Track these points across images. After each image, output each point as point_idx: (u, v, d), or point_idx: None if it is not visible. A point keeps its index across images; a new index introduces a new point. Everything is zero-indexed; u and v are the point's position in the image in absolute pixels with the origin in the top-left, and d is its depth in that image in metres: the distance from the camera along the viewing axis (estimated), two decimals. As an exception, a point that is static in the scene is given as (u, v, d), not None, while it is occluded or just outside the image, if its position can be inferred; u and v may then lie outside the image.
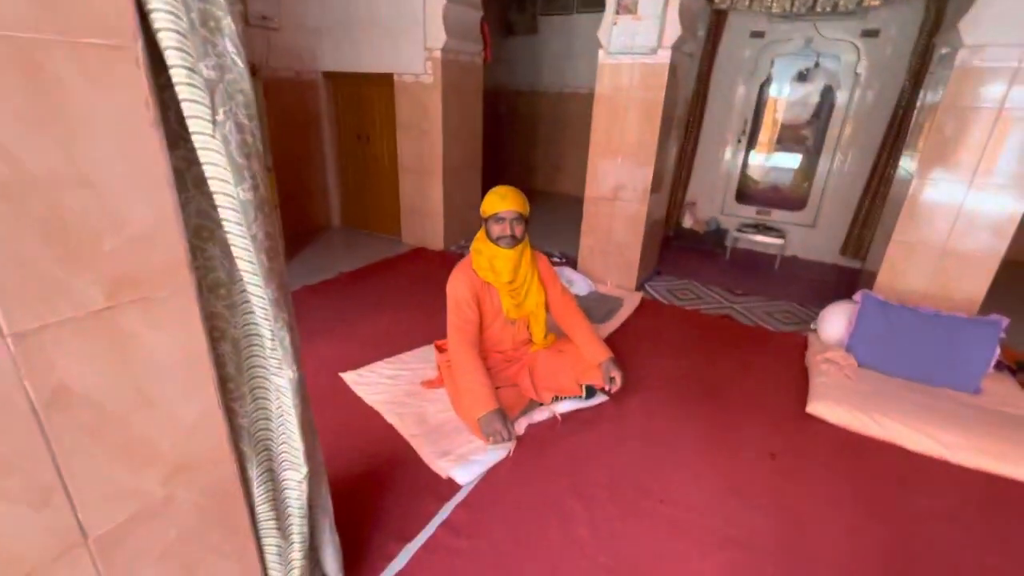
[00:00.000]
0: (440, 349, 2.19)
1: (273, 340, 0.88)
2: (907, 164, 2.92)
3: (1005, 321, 2.27)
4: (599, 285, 3.49)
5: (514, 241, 1.92)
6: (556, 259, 3.77)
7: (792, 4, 3.67)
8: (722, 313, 3.24)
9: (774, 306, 3.40)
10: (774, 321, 3.18)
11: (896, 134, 3.78)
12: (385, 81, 4.01)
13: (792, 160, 4.59)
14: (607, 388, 2.06)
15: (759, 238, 4.28)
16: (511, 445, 1.87)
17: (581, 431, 2.01)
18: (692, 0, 2.97)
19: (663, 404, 2.23)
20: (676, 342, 2.82)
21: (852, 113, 4.04)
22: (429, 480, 1.74)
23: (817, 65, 4.24)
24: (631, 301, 3.24)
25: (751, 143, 4.59)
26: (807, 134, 4.60)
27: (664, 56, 2.90)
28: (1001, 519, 1.70)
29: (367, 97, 4.23)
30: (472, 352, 1.88)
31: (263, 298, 0.83)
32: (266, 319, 0.85)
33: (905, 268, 2.74)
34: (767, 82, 4.35)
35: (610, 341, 2.72)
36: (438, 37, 3.60)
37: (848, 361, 2.45)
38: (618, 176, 3.27)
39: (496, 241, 1.91)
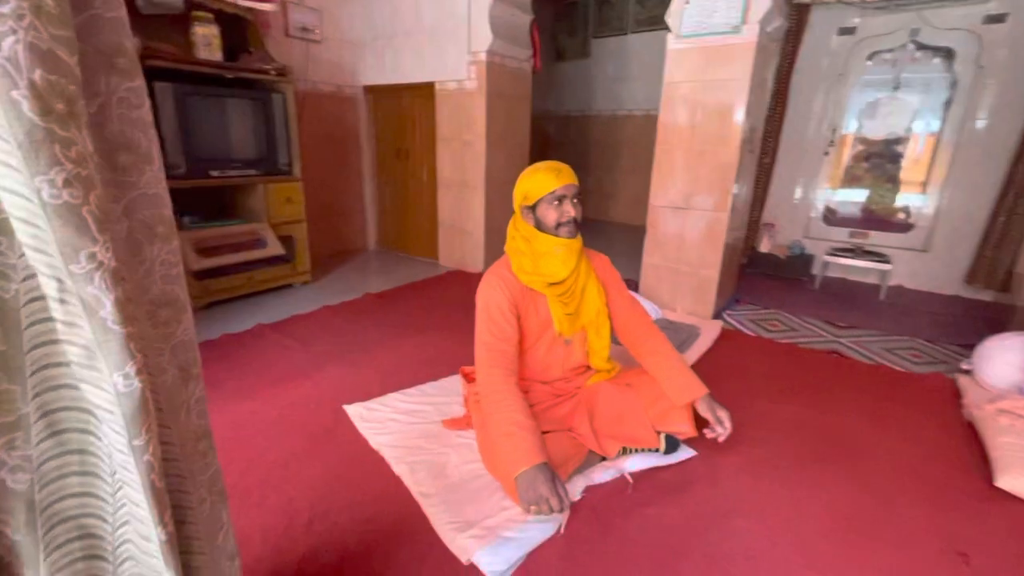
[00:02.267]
0: (468, 378, 1.68)
1: (63, 300, 0.41)
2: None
3: None
4: (667, 311, 2.91)
5: (576, 227, 1.43)
6: (614, 281, 3.22)
7: (894, -11, 3.15)
8: (828, 348, 2.57)
9: (893, 341, 2.69)
10: (899, 360, 2.47)
11: (1037, 136, 3.08)
12: (426, 91, 3.73)
13: (880, 189, 3.86)
14: (709, 434, 1.48)
15: (857, 263, 3.58)
16: (563, 517, 1.30)
17: (662, 500, 1.42)
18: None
19: (775, 465, 1.60)
20: (777, 382, 2.18)
21: (971, 116, 3.37)
22: (443, 564, 1.19)
23: (897, 87, 3.64)
24: (710, 331, 2.63)
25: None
26: (900, 150, 3.92)
27: (750, 34, 2.42)
28: None
29: (408, 110, 3.96)
30: (509, 381, 1.36)
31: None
32: (41, 252, 0.39)
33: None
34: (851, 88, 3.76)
35: (689, 377, 2.12)
36: (483, 39, 3.29)
37: (1038, 414, 1.74)
38: (692, 180, 2.74)
39: (556, 230, 1.42)
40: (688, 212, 2.79)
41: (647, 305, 2.80)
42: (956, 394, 2.09)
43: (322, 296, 3.14)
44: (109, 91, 0.51)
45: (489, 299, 1.43)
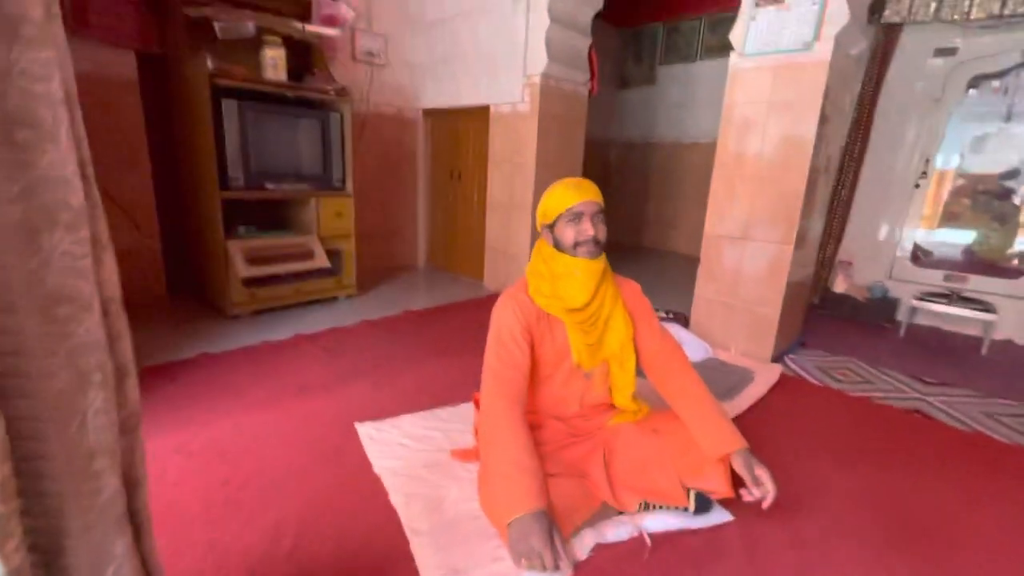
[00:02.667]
0: (480, 406, 1.57)
1: None
2: None
3: None
4: (718, 351, 2.65)
5: (598, 247, 1.30)
6: (662, 313, 3.01)
7: (1004, 4, 2.80)
8: (910, 407, 2.21)
9: (996, 406, 2.28)
10: (1003, 428, 2.07)
11: None
12: (481, 114, 3.75)
13: (986, 230, 3.39)
14: (747, 496, 1.26)
15: (954, 311, 3.12)
16: (563, 577, 1.14)
17: (684, 571, 1.21)
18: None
19: (830, 544, 1.34)
20: (842, 441, 1.88)
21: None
22: (421, 617, 1.07)
23: (1009, 119, 3.21)
24: (766, 375, 2.35)
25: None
26: (1013, 187, 3.43)
27: (823, 52, 2.20)
28: None
29: (463, 132, 4.01)
30: (512, 413, 1.23)
31: None
32: None
33: None
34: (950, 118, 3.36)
35: (735, 427, 1.88)
36: (538, 62, 3.27)
37: None
38: (752, 209, 2.52)
39: (573, 249, 1.30)
40: (747, 243, 2.55)
41: (696, 343, 2.57)
42: (1080, 478, 1.70)
43: (364, 310, 3.16)
44: (11, 61, 0.46)
45: (501, 322, 1.32)
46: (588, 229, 1.28)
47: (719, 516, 1.36)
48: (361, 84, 3.78)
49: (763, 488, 1.23)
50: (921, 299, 3.24)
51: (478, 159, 3.90)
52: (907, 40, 3.37)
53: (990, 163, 3.37)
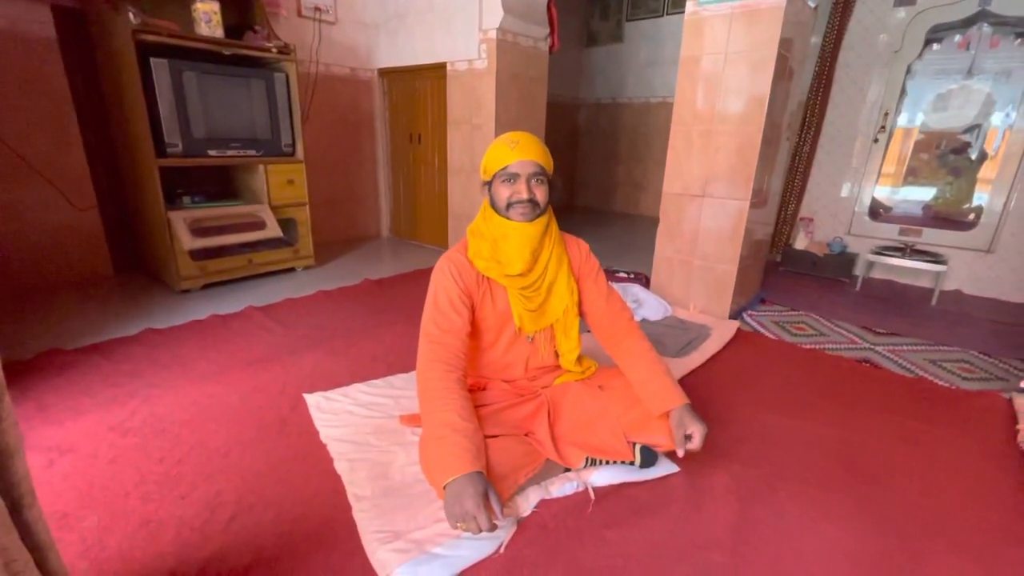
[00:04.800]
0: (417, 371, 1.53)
1: None
2: None
3: None
4: (678, 309, 2.66)
5: (534, 210, 1.25)
6: (624, 274, 2.99)
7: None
8: (860, 357, 2.27)
9: (940, 352, 2.35)
10: (944, 373, 2.15)
11: None
12: (438, 73, 3.60)
13: (942, 185, 3.43)
14: (679, 451, 1.27)
15: (906, 263, 3.19)
16: (505, 534, 1.13)
17: (626, 522, 1.23)
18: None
19: (773, 489, 1.37)
20: (791, 392, 1.92)
21: (1054, 96, 2.92)
22: (359, 580, 1.05)
23: (970, 74, 3.21)
24: (723, 331, 2.37)
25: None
26: (970, 143, 3.47)
27: (778, -3, 2.14)
28: None
29: (421, 93, 3.85)
30: (448, 378, 1.19)
31: None
32: None
33: None
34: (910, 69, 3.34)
35: (689, 383, 1.91)
36: (494, 15, 3.12)
37: (1114, 448, 1.43)
38: (709, 165, 2.48)
39: (507, 211, 1.25)
40: (705, 200, 2.53)
41: (656, 302, 2.57)
42: (1012, 418, 1.77)
43: (322, 281, 3.08)
44: None
45: (438, 287, 1.28)
46: (522, 191, 1.21)
47: (665, 468, 1.38)
48: (310, 42, 3.57)
49: (687, 444, 1.23)
50: (876, 253, 3.30)
51: (437, 121, 3.76)
52: (868, -10, 3.31)
53: (951, 120, 3.38)
